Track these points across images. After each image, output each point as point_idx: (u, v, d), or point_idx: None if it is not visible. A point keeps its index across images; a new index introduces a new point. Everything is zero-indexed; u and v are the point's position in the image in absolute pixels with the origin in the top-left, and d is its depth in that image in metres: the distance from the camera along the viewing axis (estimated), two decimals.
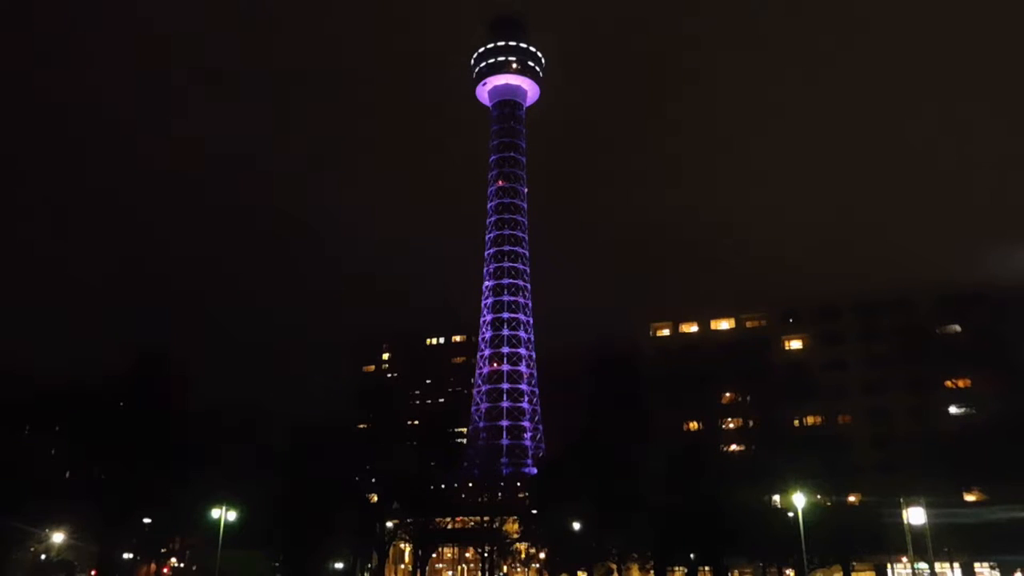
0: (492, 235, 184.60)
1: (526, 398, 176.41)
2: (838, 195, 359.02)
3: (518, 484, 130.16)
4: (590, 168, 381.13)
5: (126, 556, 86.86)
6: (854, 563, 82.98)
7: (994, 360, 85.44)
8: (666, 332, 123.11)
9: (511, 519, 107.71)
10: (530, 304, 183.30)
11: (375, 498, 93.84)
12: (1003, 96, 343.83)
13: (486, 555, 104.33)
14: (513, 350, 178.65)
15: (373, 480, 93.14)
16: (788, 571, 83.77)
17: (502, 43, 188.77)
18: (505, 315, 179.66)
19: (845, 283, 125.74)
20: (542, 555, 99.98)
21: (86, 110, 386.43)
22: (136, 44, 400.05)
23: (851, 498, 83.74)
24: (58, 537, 68.76)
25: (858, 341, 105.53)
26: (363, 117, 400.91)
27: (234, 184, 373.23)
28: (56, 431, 78.15)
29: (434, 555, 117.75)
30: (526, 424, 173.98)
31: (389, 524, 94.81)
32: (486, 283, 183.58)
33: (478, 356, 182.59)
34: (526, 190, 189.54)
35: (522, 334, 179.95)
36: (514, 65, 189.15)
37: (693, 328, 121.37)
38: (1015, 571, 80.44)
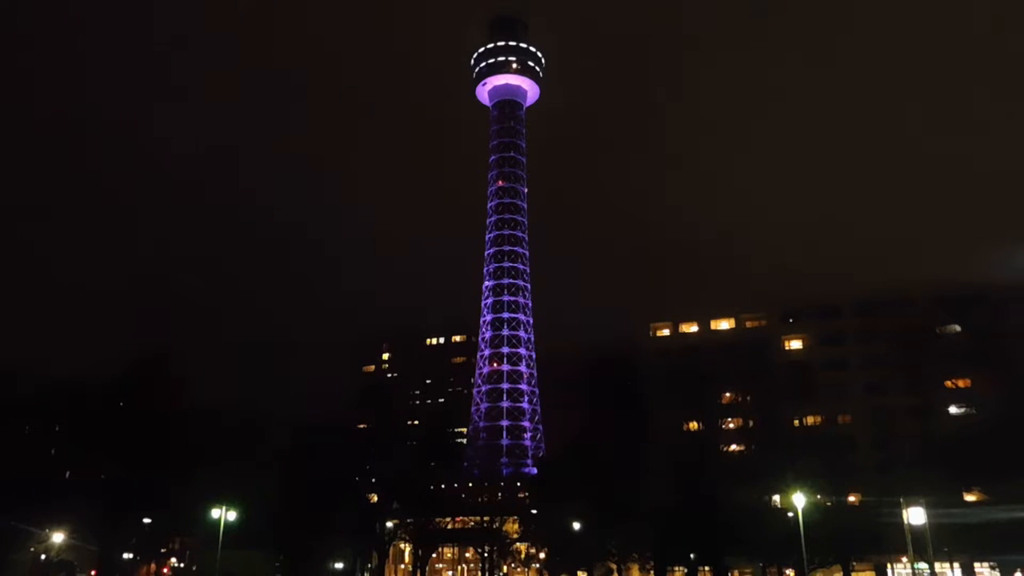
0: (492, 235, 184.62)
1: (526, 398, 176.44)
2: (838, 195, 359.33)
3: (518, 484, 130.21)
4: (590, 168, 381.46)
5: (126, 556, 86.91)
6: (854, 563, 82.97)
7: (994, 360, 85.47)
8: (666, 332, 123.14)
9: (511, 519, 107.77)
10: (530, 304, 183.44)
11: (375, 498, 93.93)
12: (1003, 96, 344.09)
13: (486, 555, 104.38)
14: (513, 350, 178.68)
15: (373, 480, 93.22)
16: (788, 571, 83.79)
17: (502, 43, 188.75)
18: (505, 315, 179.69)
19: (845, 283, 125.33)
20: (542, 555, 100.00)
21: (86, 110, 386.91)
22: (135, 44, 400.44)
23: (851, 498, 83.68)
24: (58, 537, 68.74)
25: (858, 341, 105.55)
26: (363, 117, 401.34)
27: (234, 184, 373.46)
28: (56, 431, 78.21)
29: (434, 555, 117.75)
30: (526, 424, 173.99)
31: (389, 524, 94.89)
32: (486, 283, 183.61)
33: (478, 356, 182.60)
34: (526, 190, 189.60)
35: (522, 334, 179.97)
36: (514, 65, 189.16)
37: (693, 328, 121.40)
38: (1015, 571, 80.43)
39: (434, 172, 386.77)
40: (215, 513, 62.60)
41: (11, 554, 71.47)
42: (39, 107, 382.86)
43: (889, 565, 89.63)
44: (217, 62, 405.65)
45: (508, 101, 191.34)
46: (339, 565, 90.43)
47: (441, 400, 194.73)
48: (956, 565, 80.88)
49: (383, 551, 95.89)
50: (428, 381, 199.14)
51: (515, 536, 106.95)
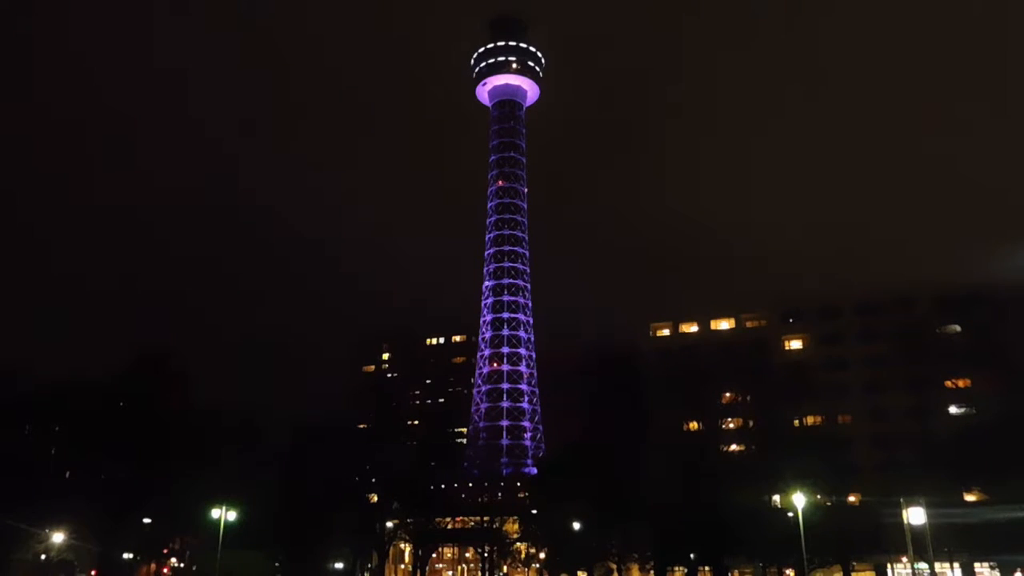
0: (492, 235, 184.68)
1: (526, 398, 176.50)
2: (838, 195, 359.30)
3: (518, 484, 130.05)
4: (590, 168, 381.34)
5: (126, 556, 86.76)
6: (854, 563, 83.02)
7: (994, 360, 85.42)
8: (666, 332, 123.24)
9: (511, 519, 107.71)
10: (530, 304, 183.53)
11: (375, 498, 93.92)
12: (1003, 95, 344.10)
13: (486, 555, 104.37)
14: (513, 350, 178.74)
15: (373, 480, 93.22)
16: (788, 571, 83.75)
17: (502, 43, 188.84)
18: (505, 315, 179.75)
19: (845, 283, 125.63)
20: (542, 555, 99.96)
21: (85, 110, 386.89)
22: (135, 44, 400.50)
23: (851, 498, 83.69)
24: (58, 537, 68.65)
25: (858, 341, 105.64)
26: (363, 117, 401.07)
27: (233, 184, 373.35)
28: (56, 431, 78.20)
29: (434, 555, 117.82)
30: (526, 424, 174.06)
31: (389, 524, 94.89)
32: (486, 283, 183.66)
33: (478, 356, 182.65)
34: (526, 190, 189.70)
35: (522, 334, 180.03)
36: (514, 65, 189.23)
37: (693, 328, 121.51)
38: (1015, 571, 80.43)
39: (434, 172, 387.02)
40: (215, 513, 62.59)
41: (11, 554, 71.40)
42: (37, 107, 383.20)
43: (889, 565, 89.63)
44: (217, 62, 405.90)
45: (508, 101, 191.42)
46: (339, 565, 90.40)
47: (441, 400, 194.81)
48: (956, 565, 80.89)
49: (383, 551, 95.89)
50: (428, 381, 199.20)
51: (515, 536, 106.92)
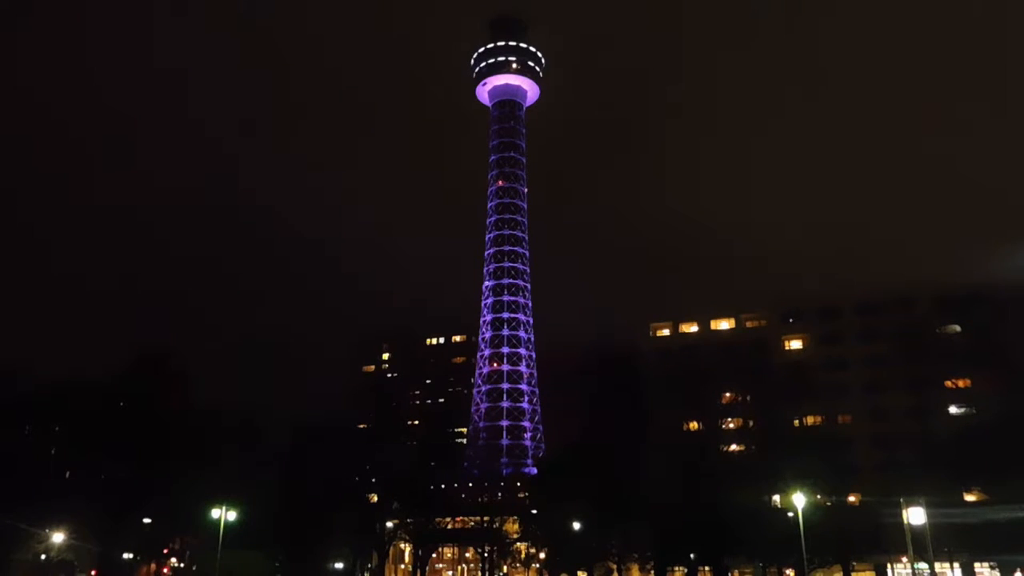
0: (492, 235, 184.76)
1: (526, 398, 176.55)
2: (838, 195, 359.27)
3: (518, 484, 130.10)
4: (590, 168, 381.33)
5: (126, 556, 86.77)
6: (854, 563, 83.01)
7: (994, 360, 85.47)
8: (666, 332, 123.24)
9: (511, 519, 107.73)
10: (530, 304, 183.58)
11: (375, 498, 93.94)
12: (1003, 95, 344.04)
13: (486, 555, 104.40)
14: (513, 350, 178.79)
15: (373, 480, 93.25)
16: (788, 571, 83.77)
17: (502, 43, 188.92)
18: (505, 315, 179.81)
19: (845, 283, 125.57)
20: (542, 555, 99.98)
21: (85, 110, 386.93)
22: (135, 44, 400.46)
23: (851, 498, 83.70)
24: (58, 537, 68.65)
25: (858, 341, 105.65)
26: (363, 117, 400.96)
27: (233, 184, 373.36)
28: (56, 431, 78.18)
29: (434, 555, 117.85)
30: (526, 424, 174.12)
31: (389, 524, 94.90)
32: (486, 283, 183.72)
33: (478, 356, 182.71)
34: (526, 190, 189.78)
35: (522, 334, 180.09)
36: (514, 65, 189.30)
37: (693, 328, 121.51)
38: (1015, 571, 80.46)
39: (434, 172, 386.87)
40: (215, 513, 62.63)
41: (11, 554, 71.41)
42: (37, 107, 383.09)
43: (889, 565, 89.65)
44: (217, 62, 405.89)
45: (508, 101, 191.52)
46: (339, 565, 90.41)
47: (441, 400, 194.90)
48: (956, 565, 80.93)
49: (383, 551, 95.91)
50: (428, 381, 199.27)
51: (515, 536, 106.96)
